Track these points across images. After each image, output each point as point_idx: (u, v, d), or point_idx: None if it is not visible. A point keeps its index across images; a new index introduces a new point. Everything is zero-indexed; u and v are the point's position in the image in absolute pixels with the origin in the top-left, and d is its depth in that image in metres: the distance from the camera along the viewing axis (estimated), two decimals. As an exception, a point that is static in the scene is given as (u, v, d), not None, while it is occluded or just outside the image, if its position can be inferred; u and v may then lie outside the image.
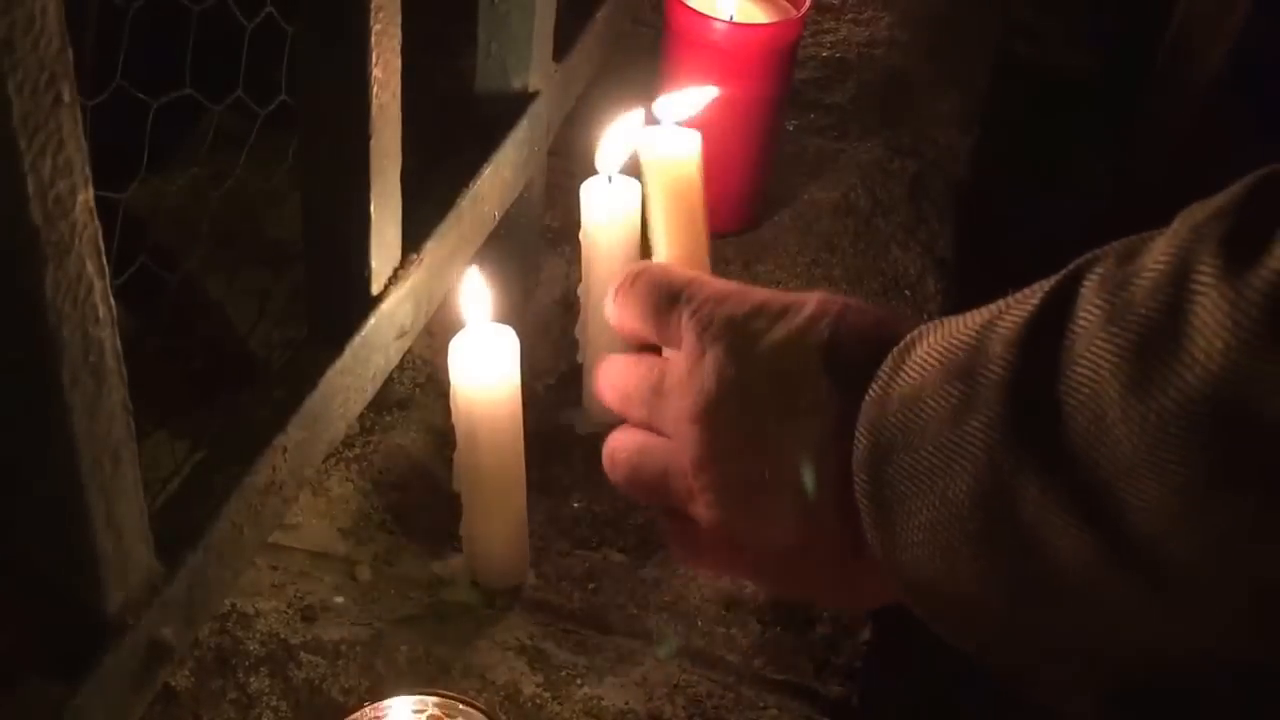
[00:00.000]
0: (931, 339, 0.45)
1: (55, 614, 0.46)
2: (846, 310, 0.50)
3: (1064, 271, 0.42)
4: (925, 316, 0.88)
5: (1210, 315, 0.36)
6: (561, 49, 0.76)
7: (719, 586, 0.69)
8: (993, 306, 0.44)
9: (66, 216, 0.37)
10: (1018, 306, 0.42)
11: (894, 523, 0.45)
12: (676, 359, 0.52)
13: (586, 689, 0.64)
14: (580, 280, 0.72)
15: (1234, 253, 0.36)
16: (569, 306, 0.83)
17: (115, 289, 0.42)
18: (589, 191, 0.69)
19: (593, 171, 0.69)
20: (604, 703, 0.63)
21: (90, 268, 0.39)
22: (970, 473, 0.42)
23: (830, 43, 1.12)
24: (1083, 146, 1.34)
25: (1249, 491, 0.36)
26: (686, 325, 0.52)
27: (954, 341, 0.44)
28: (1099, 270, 0.40)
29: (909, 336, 0.46)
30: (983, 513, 0.42)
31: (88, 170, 0.38)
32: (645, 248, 0.71)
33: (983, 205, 1.04)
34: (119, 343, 0.42)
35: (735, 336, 0.50)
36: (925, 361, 0.45)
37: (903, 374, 0.45)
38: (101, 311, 0.40)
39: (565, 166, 0.90)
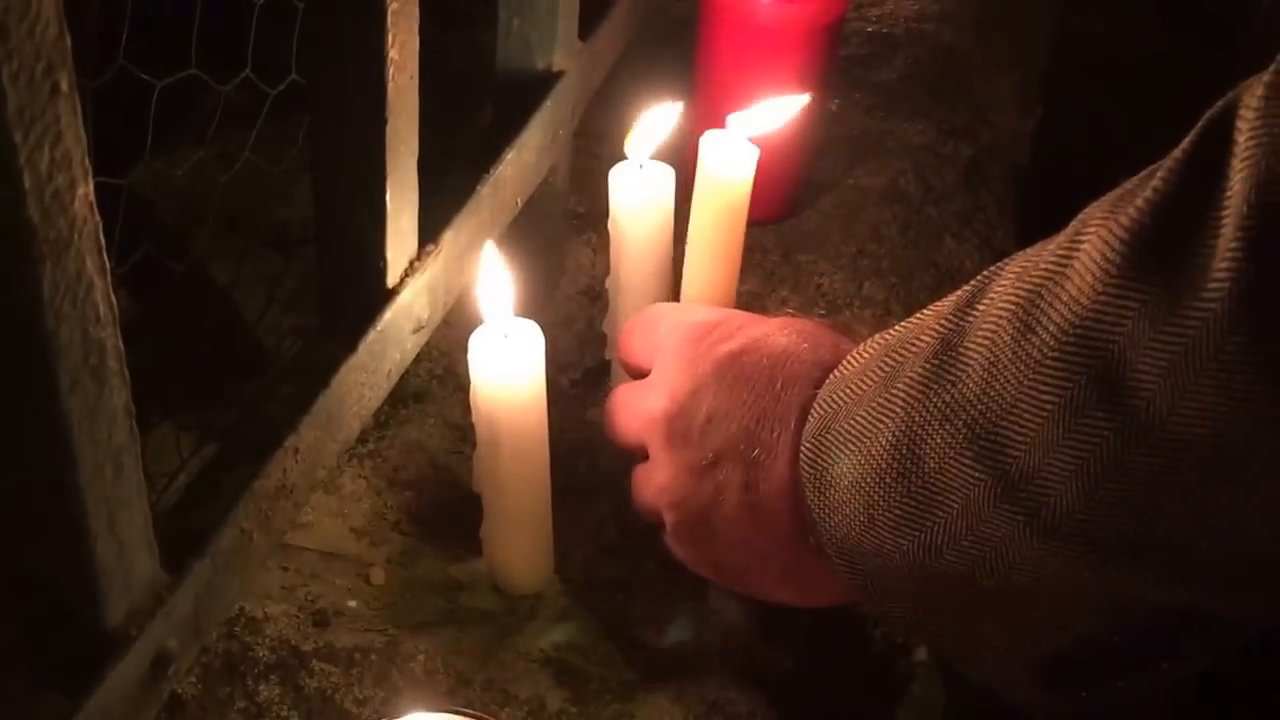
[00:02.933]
0: (881, 333, 0.53)
1: (57, 625, 0.46)
2: (805, 326, 0.58)
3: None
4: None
5: (1087, 256, 0.41)
6: (588, 26, 0.75)
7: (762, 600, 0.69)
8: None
9: (65, 212, 0.37)
10: (957, 291, 0.49)
11: (828, 485, 0.51)
12: (646, 378, 0.61)
13: (617, 705, 0.63)
14: (608, 271, 0.72)
15: (1115, 207, 0.42)
16: (595, 297, 0.83)
17: (119, 276, 0.42)
18: (619, 178, 0.69)
19: (620, 154, 0.69)
20: (635, 720, 0.63)
21: (90, 265, 0.39)
22: (889, 429, 0.48)
23: (876, 16, 1.10)
24: (1153, 128, 1.32)
25: (1108, 418, 0.40)
26: (657, 346, 0.61)
27: (899, 326, 0.51)
28: (1024, 250, 0.47)
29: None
30: (896, 464, 0.48)
31: (87, 163, 0.38)
32: (679, 240, 0.71)
33: (1045, 193, 1.03)
34: (121, 343, 0.42)
35: (695, 348, 0.59)
36: (873, 344, 0.52)
37: (854, 359, 0.53)
38: (102, 311, 0.40)
39: (591, 149, 0.89)
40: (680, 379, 0.59)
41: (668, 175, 0.69)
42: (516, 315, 0.60)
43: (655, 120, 0.68)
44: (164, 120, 0.51)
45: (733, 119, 0.68)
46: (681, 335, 0.60)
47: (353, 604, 0.66)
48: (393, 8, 0.52)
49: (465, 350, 0.60)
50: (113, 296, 0.41)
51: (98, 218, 0.39)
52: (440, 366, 0.78)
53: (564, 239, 0.85)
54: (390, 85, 0.54)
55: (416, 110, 0.58)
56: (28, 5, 0.34)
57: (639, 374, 0.63)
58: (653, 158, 0.69)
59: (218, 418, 0.67)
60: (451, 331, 0.73)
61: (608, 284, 0.72)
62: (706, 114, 0.82)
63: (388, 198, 0.57)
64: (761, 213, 0.85)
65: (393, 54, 0.53)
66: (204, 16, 0.52)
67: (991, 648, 0.50)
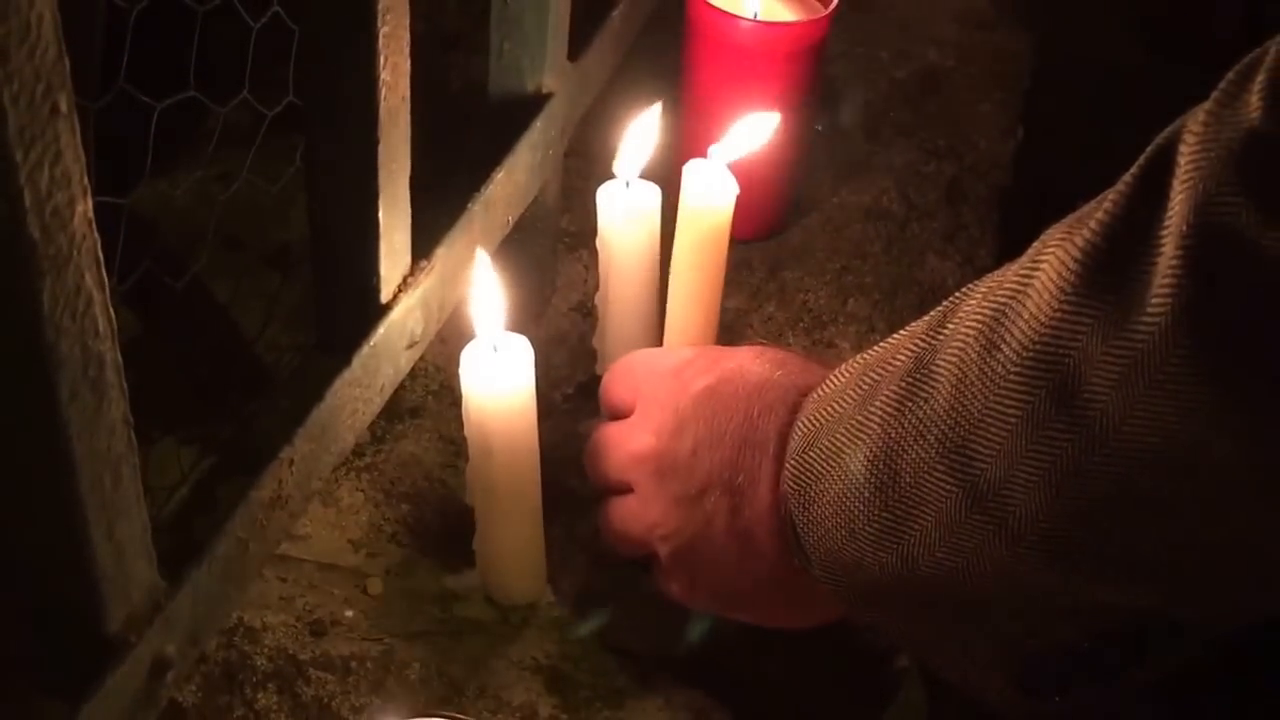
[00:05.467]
0: (861, 354, 0.54)
1: (56, 632, 0.46)
2: (778, 354, 0.60)
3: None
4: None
5: (1045, 276, 0.43)
6: (577, 48, 0.76)
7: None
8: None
9: (65, 229, 0.38)
10: (930, 312, 0.51)
11: (810, 501, 0.52)
12: (624, 419, 0.63)
13: (607, 712, 0.64)
14: (598, 287, 0.73)
15: (1071, 229, 0.43)
16: (586, 313, 0.83)
17: (121, 294, 0.42)
18: (606, 196, 0.69)
19: (609, 173, 0.70)
20: (623, 726, 0.63)
21: (89, 280, 0.40)
22: (866, 446, 0.49)
23: (859, 39, 1.11)
24: (1133, 148, 1.32)
25: (1066, 429, 0.41)
26: (637, 390, 0.62)
27: (876, 348, 0.53)
28: (992, 272, 0.48)
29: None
30: (874, 480, 0.49)
31: (86, 181, 0.38)
32: (665, 256, 0.72)
33: (1026, 211, 1.03)
34: (119, 355, 0.42)
35: (674, 384, 0.61)
36: (851, 365, 0.53)
37: (833, 380, 0.54)
38: (101, 325, 0.41)
39: (581, 168, 0.90)
40: (663, 416, 0.60)
41: (653, 194, 0.70)
42: (509, 331, 0.61)
43: (638, 133, 0.69)
44: (164, 141, 0.52)
45: (714, 149, 0.69)
46: (659, 375, 0.62)
47: (350, 614, 0.67)
48: (384, 31, 0.53)
49: (458, 365, 0.61)
50: (111, 311, 0.41)
51: (96, 234, 0.39)
52: (436, 382, 0.79)
53: (555, 256, 0.85)
54: (382, 106, 0.55)
55: (409, 130, 0.58)
56: (28, 29, 0.34)
57: (619, 417, 0.65)
58: (641, 176, 0.70)
59: (217, 433, 0.67)
60: (446, 348, 0.74)
61: (596, 300, 0.73)
62: (692, 135, 0.83)
63: (380, 216, 0.57)
64: (748, 231, 0.86)
65: (385, 75, 0.54)
66: (203, 40, 0.53)
67: (969, 655, 0.51)
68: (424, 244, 0.63)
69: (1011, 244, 0.96)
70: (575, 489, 0.74)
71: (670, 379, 0.61)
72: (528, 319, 0.69)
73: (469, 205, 0.66)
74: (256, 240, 0.80)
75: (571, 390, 0.80)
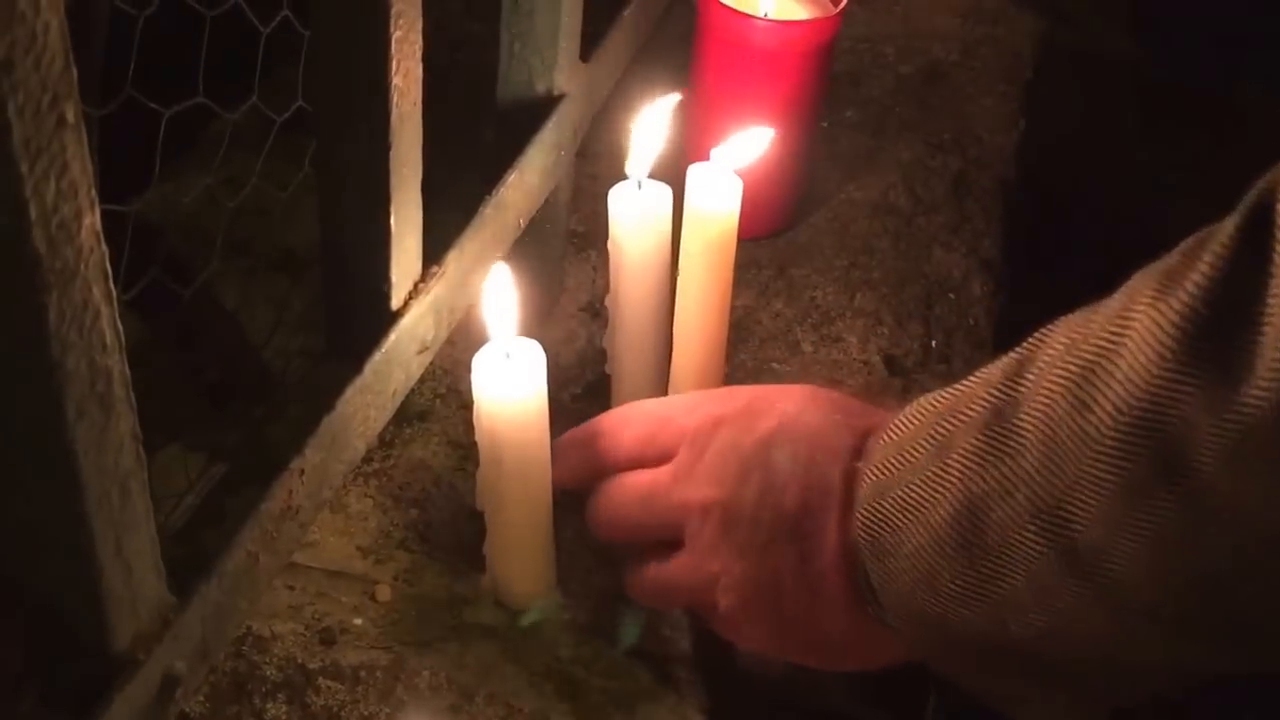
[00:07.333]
0: (926, 397, 0.52)
1: (65, 648, 0.45)
2: (833, 397, 0.58)
3: (1045, 326, 0.48)
4: (972, 321, 0.87)
5: (1140, 336, 0.41)
6: (589, 48, 0.74)
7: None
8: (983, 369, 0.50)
9: (71, 242, 0.36)
10: (1003, 358, 0.49)
11: (886, 553, 0.51)
12: (666, 468, 0.60)
13: (619, 717, 0.63)
14: (609, 289, 0.71)
15: (1164, 286, 0.42)
16: (596, 314, 0.82)
17: (127, 301, 0.41)
18: (617, 198, 0.68)
19: (620, 173, 0.68)
20: (637, 732, 0.62)
21: (97, 293, 0.38)
22: (948, 501, 0.48)
23: (864, 34, 1.10)
24: (1139, 137, 1.31)
25: (1172, 499, 0.40)
26: (682, 433, 0.59)
27: (945, 393, 0.51)
28: (1069, 318, 0.47)
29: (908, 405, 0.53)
30: (957, 536, 0.47)
31: (94, 193, 0.37)
32: (675, 258, 0.70)
33: (1030, 203, 1.02)
34: (127, 369, 0.41)
35: (730, 431, 0.58)
36: (920, 412, 0.52)
37: (900, 426, 0.52)
38: (109, 339, 0.39)
39: (589, 169, 0.89)
40: (724, 463, 0.57)
41: (665, 195, 0.68)
42: (519, 333, 0.60)
43: (648, 129, 0.67)
44: (172, 147, 0.51)
45: (716, 152, 0.67)
46: (711, 420, 0.58)
47: (359, 621, 0.66)
48: (396, 35, 0.52)
49: (468, 369, 0.59)
50: (119, 324, 0.40)
51: (104, 247, 0.38)
52: (443, 385, 0.78)
53: (565, 256, 0.84)
54: (394, 111, 0.53)
55: (420, 135, 0.57)
56: (33, 38, 0.33)
57: (633, 466, 0.61)
58: (651, 176, 0.68)
59: (225, 439, 0.66)
60: (454, 350, 0.73)
61: (607, 301, 0.72)
62: (703, 134, 0.82)
63: (392, 221, 0.56)
64: (755, 228, 0.85)
65: (397, 81, 0.53)
66: (211, 44, 0.51)
67: (1049, 702, 0.50)
68: (434, 248, 0.62)
69: (1015, 236, 0.95)
70: (584, 491, 0.73)
71: (724, 424, 0.58)
72: (537, 320, 0.68)
73: (481, 209, 0.65)
74: (264, 244, 0.79)
75: (580, 391, 0.79)
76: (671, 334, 0.73)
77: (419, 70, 0.55)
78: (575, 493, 0.71)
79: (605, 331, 0.74)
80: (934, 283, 0.89)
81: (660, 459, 0.60)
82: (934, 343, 0.85)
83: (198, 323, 0.73)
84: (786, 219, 0.90)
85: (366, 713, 0.61)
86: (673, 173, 0.70)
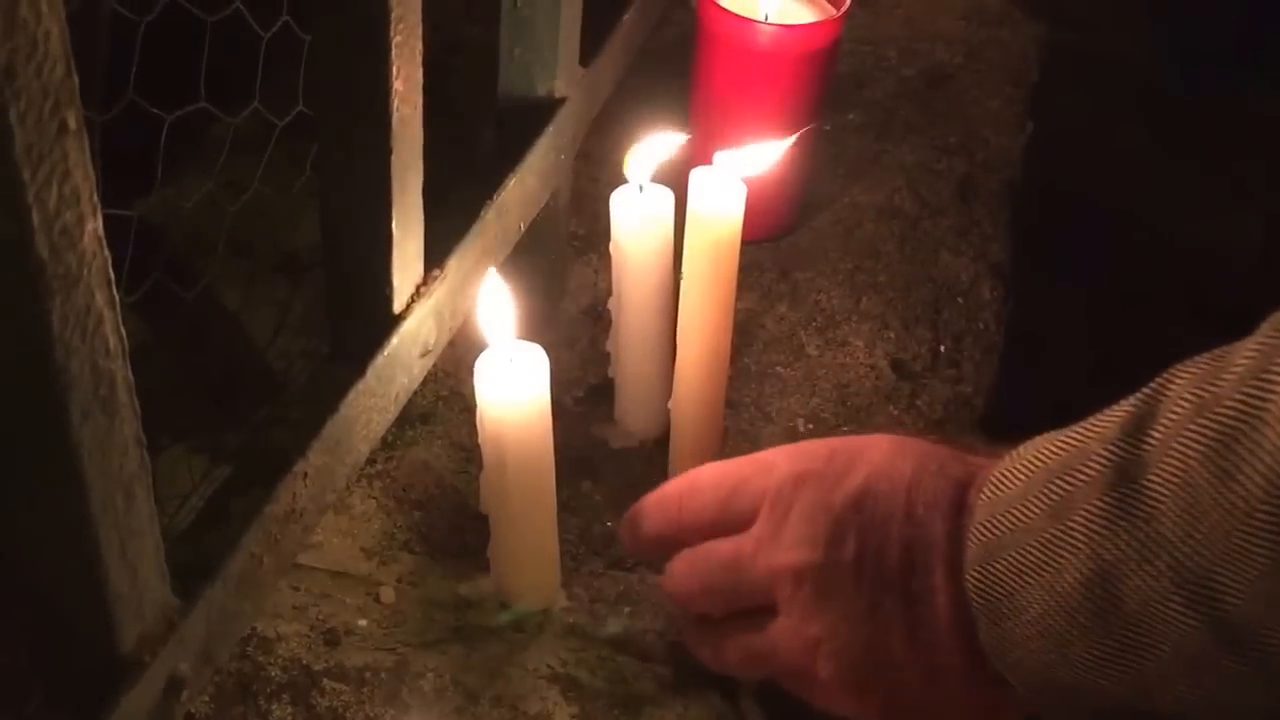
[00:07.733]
0: (1029, 449, 0.49)
1: (69, 652, 0.45)
2: (920, 445, 0.54)
3: (1159, 377, 0.45)
4: (981, 326, 0.87)
5: None
6: (588, 52, 0.75)
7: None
8: (1090, 418, 0.48)
9: (74, 247, 0.37)
10: (1114, 410, 0.46)
11: (1004, 618, 0.48)
12: (749, 533, 0.56)
13: (623, 720, 0.63)
14: (610, 292, 0.71)
15: None
16: (597, 317, 0.82)
17: (130, 304, 0.41)
18: (619, 201, 0.68)
19: (619, 176, 0.68)
20: (641, 735, 0.62)
21: (100, 299, 0.39)
22: (1075, 565, 0.45)
23: (866, 37, 1.10)
24: (1147, 140, 1.31)
25: None
26: (761, 494, 0.56)
27: (1052, 447, 0.48)
28: (1189, 370, 0.44)
29: (1008, 454, 0.50)
30: (1090, 604, 0.45)
31: (96, 199, 0.37)
32: (678, 261, 0.71)
33: (1036, 206, 1.02)
34: (130, 374, 0.41)
35: (816, 489, 0.54)
36: (1027, 466, 0.49)
37: (1006, 481, 0.49)
38: (112, 343, 0.40)
39: (590, 171, 0.89)
40: (814, 524, 0.54)
41: (667, 198, 0.68)
42: (521, 337, 0.60)
43: (655, 146, 0.67)
44: (174, 151, 0.51)
45: (720, 156, 0.67)
46: (792, 479, 0.55)
47: (363, 623, 0.66)
48: (396, 40, 0.52)
49: (470, 371, 0.60)
50: (122, 329, 0.40)
51: (106, 252, 0.38)
52: (446, 388, 0.78)
53: (566, 260, 0.84)
54: (395, 116, 0.53)
55: (420, 139, 0.57)
56: (35, 45, 0.33)
57: (709, 536, 0.58)
58: (653, 180, 0.68)
59: (228, 441, 0.66)
60: (456, 352, 0.73)
61: (610, 304, 0.72)
62: (705, 138, 0.82)
63: (393, 225, 0.56)
64: (759, 232, 0.85)
65: (397, 85, 0.53)
66: (212, 49, 0.52)
67: None
68: (436, 251, 0.62)
69: (1022, 239, 0.95)
70: (587, 492, 0.73)
71: (807, 482, 0.54)
72: (538, 323, 0.68)
73: (482, 213, 0.65)
74: (266, 247, 0.79)
75: (582, 393, 0.79)
76: (675, 338, 0.73)
77: (419, 75, 0.55)
78: (582, 497, 0.72)
79: (607, 335, 0.74)
80: (941, 287, 0.88)
81: (740, 523, 0.57)
82: (943, 347, 0.84)
83: (201, 326, 0.74)
84: (789, 222, 0.90)
85: (371, 714, 0.61)
86: (675, 175, 0.71)
